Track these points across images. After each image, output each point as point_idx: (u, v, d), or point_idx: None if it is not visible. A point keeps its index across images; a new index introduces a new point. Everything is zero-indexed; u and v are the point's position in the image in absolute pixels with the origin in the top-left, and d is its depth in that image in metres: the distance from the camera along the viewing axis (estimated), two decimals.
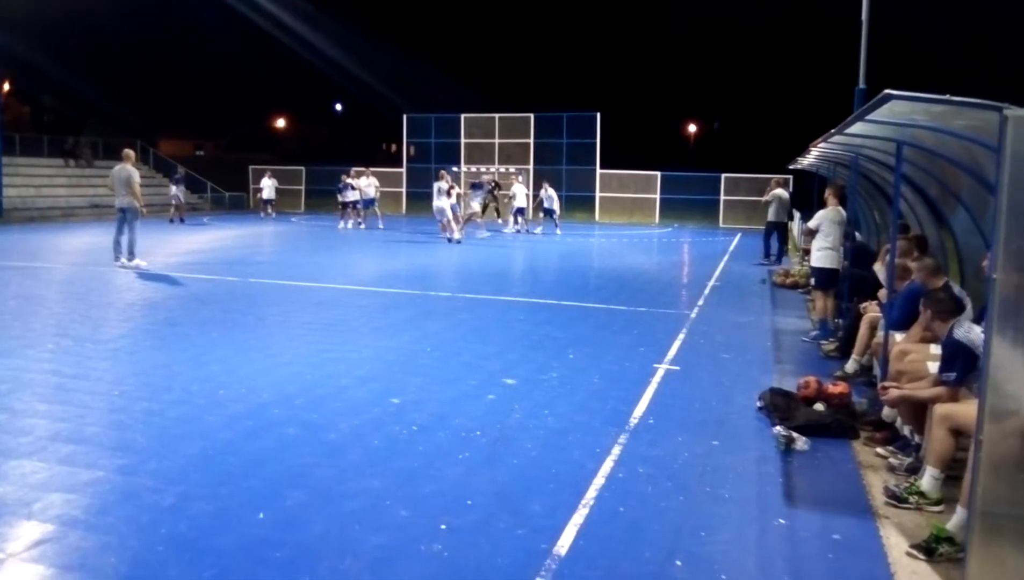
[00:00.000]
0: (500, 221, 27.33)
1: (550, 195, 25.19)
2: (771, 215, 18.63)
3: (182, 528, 4.03)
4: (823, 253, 9.20)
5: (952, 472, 4.42)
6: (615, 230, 27.54)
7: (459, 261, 17.54)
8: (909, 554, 3.87)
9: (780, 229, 18.81)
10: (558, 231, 24.85)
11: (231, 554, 3.77)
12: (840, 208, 9.29)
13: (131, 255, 14.62)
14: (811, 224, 9.41)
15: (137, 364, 7.44)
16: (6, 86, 38.68)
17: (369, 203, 25.99)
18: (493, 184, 30.40)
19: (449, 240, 20.85)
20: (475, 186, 24.12)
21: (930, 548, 3.86)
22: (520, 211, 25.28)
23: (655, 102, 58.13)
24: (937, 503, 4.40)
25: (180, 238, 21.22)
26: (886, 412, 5.72)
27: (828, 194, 9.42)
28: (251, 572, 3.61)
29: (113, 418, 5.77)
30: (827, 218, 9.17)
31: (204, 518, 4.15)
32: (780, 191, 18.68)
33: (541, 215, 25.83)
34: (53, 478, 4.63)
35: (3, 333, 8.59)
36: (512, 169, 32.17)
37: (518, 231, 25.07)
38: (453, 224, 21.05)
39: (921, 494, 4.43)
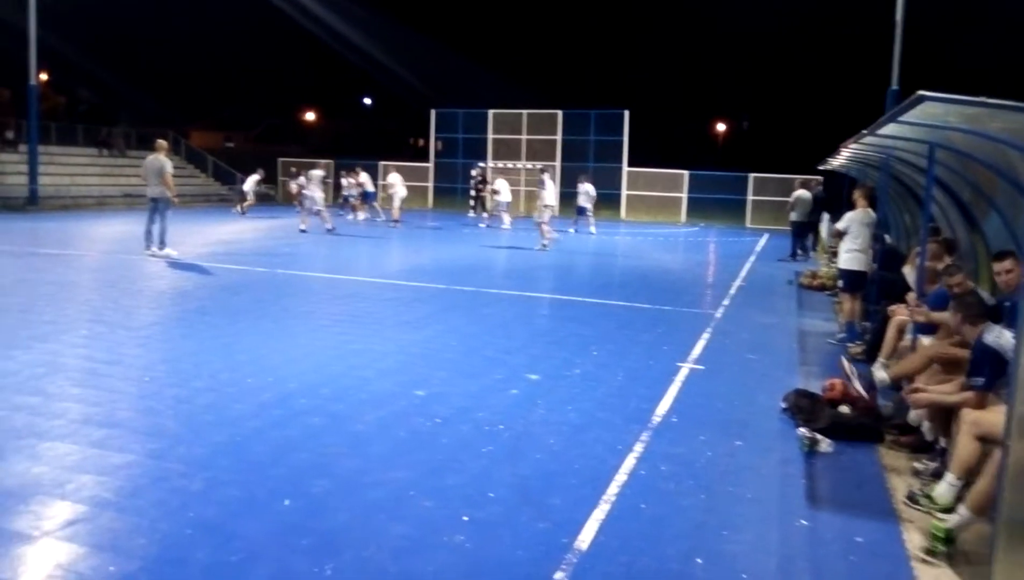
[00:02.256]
0: (473, 214, 26.95)
1: (586, 190, 24.00)
2: (794, 215, 19.10)
3: (210, 513, 4.11)
4: (851, 255, 9.12)
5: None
6: (641, 228, 27.43)
7: (483, 257, 17.58)
8: (923, 559, 3.87)
9: (803, 228, 19.22)
10: (592, 229, 23.74)
11: (258, 539, 3.84)
12: (869, 210, 9.20)
13: (162, 244, 14.84)
14: (839, 225, 9.33)
15: (168, 351, 7.57)
16: (43, 76, 39.30)
17: (370, 197, 26.58)
18: (480, 178, 30.31)
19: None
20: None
21: (931, 550, 3.86)
22: (506, 206, 24.76)
23: (684, 100, 57.88)
24: (946, 510, 4.36)
25: (210, 228, 21.48)
26: (912, 416, 5.67)
27: (857, 196, 9.34)
28: (277, 557, 3.68)
29: (144, 403, 5.89)
30: (856, 220, 9.09)
31: (232, 503, 4.23)
32: (802, 192, 19.20)
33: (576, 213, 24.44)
34: (85, 460, 4.74)
35: (38, 318, 8.78)
36: (539, 165, 32.20)
37: (487, 225, 24.85)
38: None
39: (930, 498, 4.41)
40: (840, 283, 9.27)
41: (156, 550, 3.71)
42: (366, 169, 27.92)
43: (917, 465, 5.07)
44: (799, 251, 18.87)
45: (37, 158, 27.42)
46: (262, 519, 4.06)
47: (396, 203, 24.49)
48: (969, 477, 4.33)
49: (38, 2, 26.03)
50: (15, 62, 29.53)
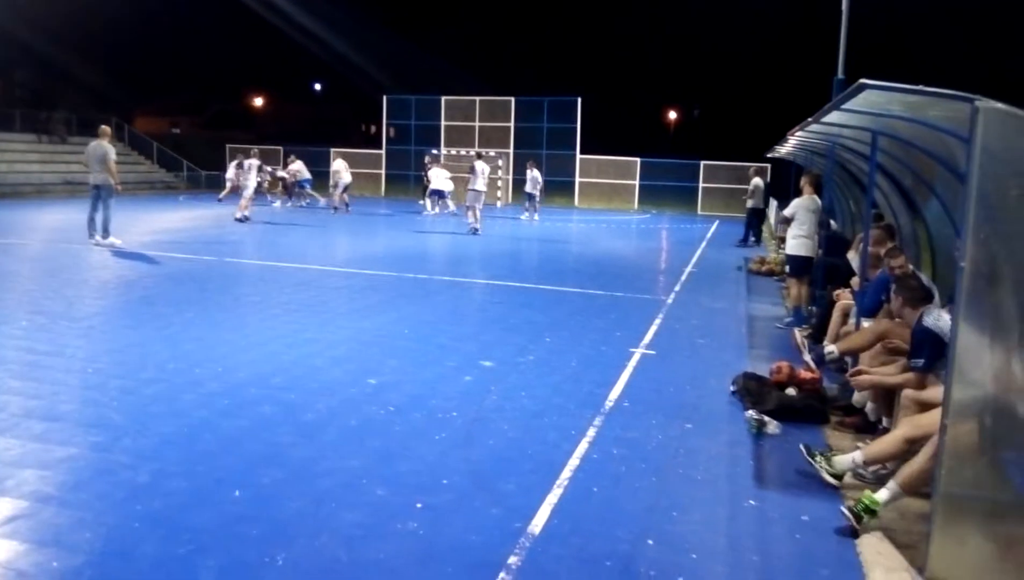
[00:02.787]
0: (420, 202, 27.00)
1: (534, 177, 24.47)
2: (751, 202, 19.64)
3: (157, 505, 4.03)
4: (798, 241, 9.30)
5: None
6: (594, 215, 27.61)
7: (436, 244, 17.52)
8: (844, 515, 4.01)
9: (760, 215, 19.74)
10: (535, 217, 24.29)
11: (207, 531, 3.78)
12: (816, 197, 9.40)
13: (106, 233, 14.45)
14: (786, 212, 9.51)
15: (112, 342, 7.38)
16: None
17: (306, 184, 26.45)
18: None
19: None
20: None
21: (859, 515, 3.98)
22: (437, 193, 24.36)
23: (636, 88, 58.15)
24: (836, 476, 4.59)
25: (155, 216, 20.99)
26: (856, 397, 5.83)
27: (804, 183, 9.53)
28: (227, 548, 3.63)
29: (87, 395, 5.75)
30: (802, 206, 9.27)
31: (180, 495, 4.16)
32: (758, 179, 19.66)
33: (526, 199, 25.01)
34: (26, 455, 4.61)
35: None
36: (492, 152, 32.13)
37: (437, 213, 24.80)
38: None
39: (827, 459, 4.63)
40: (787, 268, 9.46)
41: (101, 544, 3.63)
42: (303, 157, 27.41)
43: (860, 445, 5.22)
44: (752, 237, 19.34)
45: None
46: (211, 510, 4.00)
47: (339, 190, 24.18)
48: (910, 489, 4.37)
49: None
50: None
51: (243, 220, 19.99)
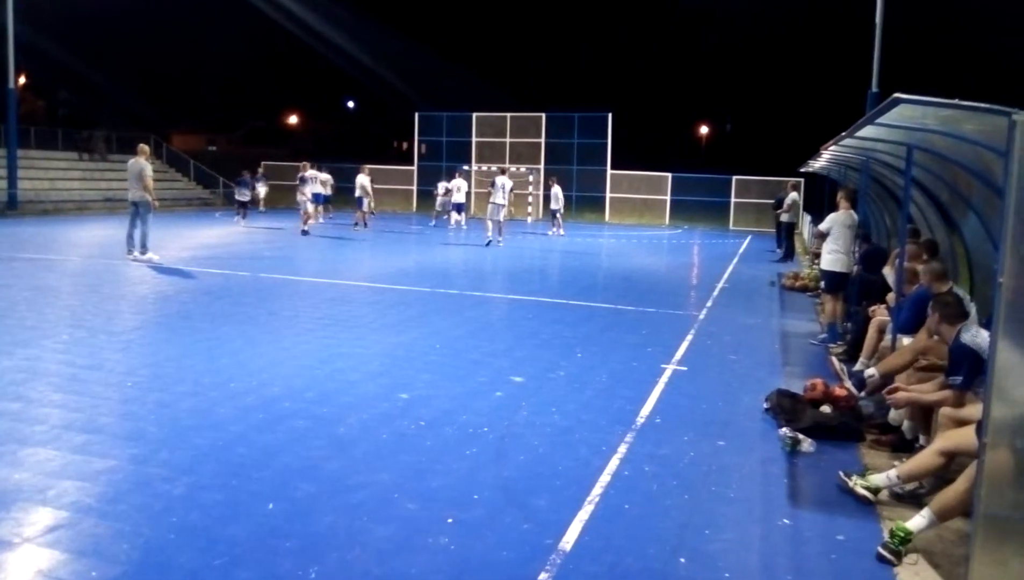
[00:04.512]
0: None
1: (556, 193, 25.17)
2: (788, 217, 19.71)
3: (193, 517, 4.09)
4: (833, 256, 9.19)
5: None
6: (625, 231, 27.55)
7: (467, 259, 17.59)
8: (880, 556, 3.88)
9: (792, 230, 19.82)
10: (560, 232, 24.72)
11: (242, 543, 3.83)
12: (852, 212, 9.29)
13: (144, 249, 14.74)
14: (822, 227, 9.40)
15: (150, 356, 7.52)
16: (22, 79, 38.94)
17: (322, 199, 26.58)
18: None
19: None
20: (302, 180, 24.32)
21: (896, 551, 3.87)
22: (457, 207, 25.19)
23: (667, 103, 58.09)
24: (873, 490, 4.57)
25: (192, 233, 21.35)
26: (893, 415, 5.74)
27: (840, 197, 9.41)
28: (262, 561, 3.67)
29: (126, 408, 5.85)
30: (838, 221, 9.16)
31: (215, 508, 4.21)
32: (795, 194, 19.98)
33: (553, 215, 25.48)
34: (67, 466, 4.71)
35: (19, 323, 8.70)
36: (523, 168, 32.26)
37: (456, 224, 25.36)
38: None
39: (864, 478, 4.61)
40: (822, 284, 9.35)
41: (139, 555, 3.69)
42: (332, 173, 27.89)
43: (896, 463, 5.13)
44: (785, 252, 19.30)
45: (16, 162, 27.18)
46: (246, 523, 4.05)
47: (363, 206, 24.36)
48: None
49: (16, 4, 25.79)
50: None
51: (306, 233, 21.28)
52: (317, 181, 24.14)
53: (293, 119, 65.36)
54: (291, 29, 50.63)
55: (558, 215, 25.24)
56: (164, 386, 6.45)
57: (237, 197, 25.70)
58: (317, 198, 24.55)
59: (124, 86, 51.22)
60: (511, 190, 22.15)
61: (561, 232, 24.66)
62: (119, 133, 35.69)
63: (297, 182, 22.29)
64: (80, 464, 4.74)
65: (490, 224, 20.39)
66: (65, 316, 9.29)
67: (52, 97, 50.77)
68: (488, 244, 19.65)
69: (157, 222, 16.01)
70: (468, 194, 26.88)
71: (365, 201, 24.39)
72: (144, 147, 15.37)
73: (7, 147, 27.38)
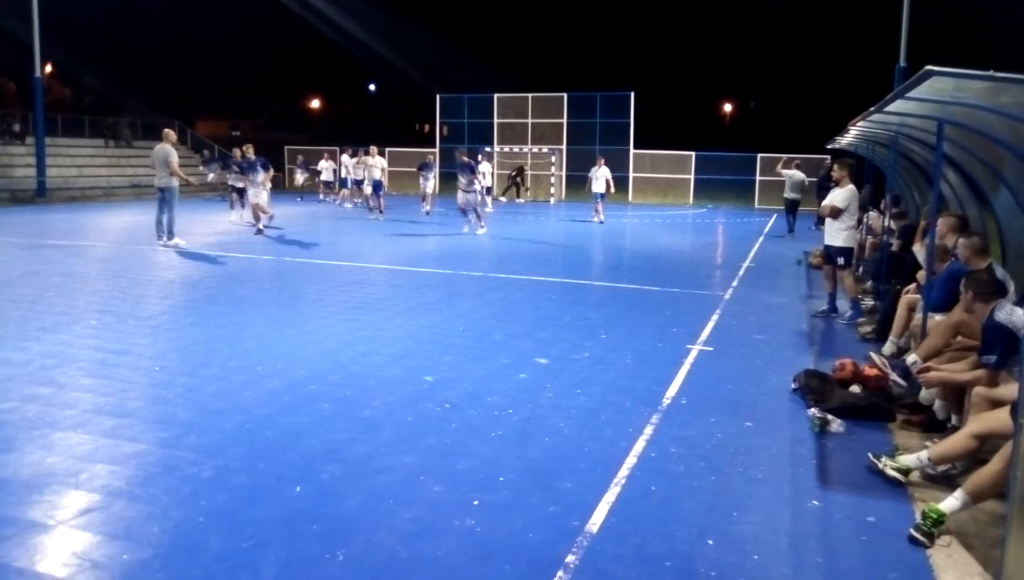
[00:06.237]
0: (504, 199, 26.88)
1: (604, 175, 21.98)
2: (795, 194, 19.98)
3: (221, 500, 4.13)
4: (849, 233, 9.08)
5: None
6: (648, 211, 27.35)
7: (490, 241, 17.56)
8: (912, 538, 3.82)
9: (795, 206, 20.15)
10: (600, 218, 22.09)
11: (269, 526, 3.85)
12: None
13: (170, 234, 14.87)
14: (838, 204, 9.17)
15: (177, 340, 7.59)
16: (48, 68, 39.31)
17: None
18: (518, 168, 30.57)
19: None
20: (424, 167, 23.77)
21: (929, 533, 3.81)
22: (487, 190, 24.84)
23: (690, 81, 57.42)
24: (903, 471, 4.49)
25: (217, 218, 21.49)
26: (924, 394, 5.65)
27: (845, 174, 9.16)
28: (289, 543, 3.69)
29: (154, 393, 5.91)
30: (853, 197, 9.02)
31: (242, 490, 4.25)
32: (799, 172, 20.10)
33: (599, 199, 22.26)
34: (98, 450, 4.77)
35: (48, 309, 8.82)
36: (544, 149, 32.08)
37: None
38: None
39: (893, 458, 4.54)
40: (841, 261, 9.19)
41: (168, 538, 3.72)
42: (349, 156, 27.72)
43: (928, 444, 5.05)
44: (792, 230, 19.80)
45: (44, 150, 27.50)
46: (273, 505, 4.08)
47: (370, 188, 23.29)
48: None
49: None
50: (20, 54, 29.56)
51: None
52: (361, 166, 23.73)
53: (315, 103, 65.47)
54: (311, 13, 50.60)
55: (601, 200, 22.18)
56: (191, 370, 6.51)
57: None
58: (358, 183, 24.45)
59: (148, 73, 51.61)
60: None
61: (601, 218, 22.08)
62: (144, 120, 35.97)
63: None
64: (110, 448, 4.80)
65: (476, 211, 18.43)
66: (94, 302, 9.40)
67: (78, 85, 51.22)
68: (466, 232, 18.18)
69: (182, 208, 16.14)
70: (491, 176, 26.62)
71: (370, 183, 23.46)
72: (169, 132, 15.46)
73: (35, 135, 27.71)
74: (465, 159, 18.52)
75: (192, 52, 56.47)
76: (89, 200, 27.94)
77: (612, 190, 22.80)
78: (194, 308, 9.21)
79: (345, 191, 27.25)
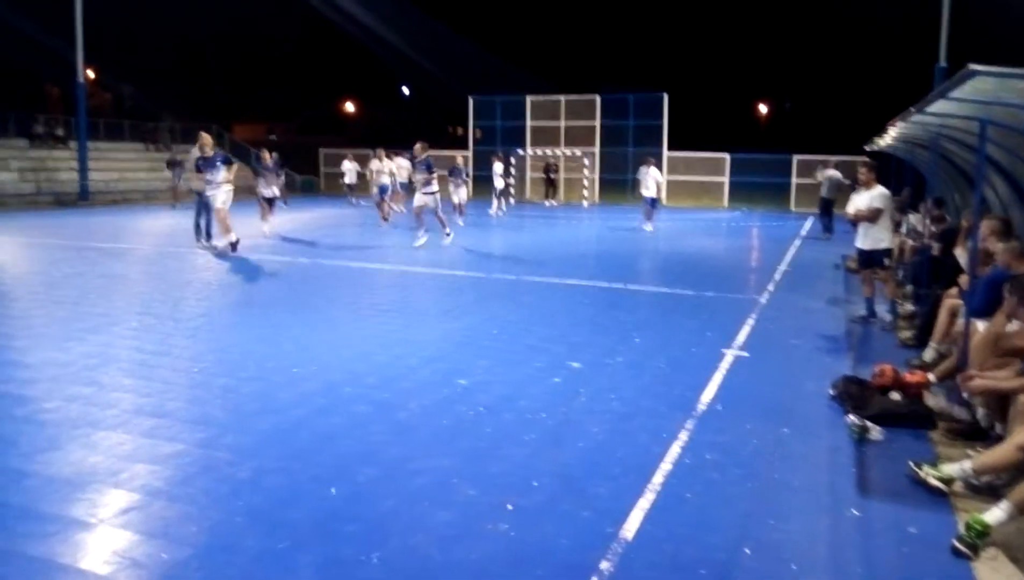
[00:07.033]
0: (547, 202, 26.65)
1: (655, 177, 20.25)
2: (828, 193, 19.99)
3: (258, 500, 4.17)
4: (887, 234, 8.95)
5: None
6: (682, 214, 27.13)
7: (523, 244, 17.56)
8: (955, 550, 3.73)
9: (830, 206, 19.97)
10: (649, 226, 20.26)
11: (305, 527, 3.89)
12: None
13: (208, 237, 15.09)
14: (876, 205, 8.99)
15: (215, 342, 7.70)
16: (90, 73, 40.15)
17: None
18: (554, 166, 30.48)
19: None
20: (453, 172, 21.10)
21: (973, 545, 3.72)
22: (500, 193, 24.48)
23: (724, 82, 56.85)
24: (945, 480, 4.37)
25: (254, 221, 21.74)
26: (981, 416, 5.50)
27: (872, 175, 8.98)
28: (324, 545, 3.72)
29: (193, 394, 6.00)
30: (888, 198, 8.90)
31: (279, 491, 4.29)
32: (835, 171, 20.05)
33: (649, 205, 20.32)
34: (138, 450, 4.85)
35: (90, 310, 9.00)
36: (577, 151, 32.01)
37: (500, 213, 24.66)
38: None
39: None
40: (886, 261, 9.06)
41: (206, 538, 3.78)
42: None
43: (971, 453, 4.95)
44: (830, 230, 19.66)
45: (86, 154, 28.07)
46: (309, 507, 4.11)
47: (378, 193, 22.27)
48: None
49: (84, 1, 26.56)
50: (62, 61, 30.25)
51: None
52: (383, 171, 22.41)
53: (349, 106, 66.04)
54: (346, 17, 51.09)
55: (655, 204, 20.18)
56: (229, 371, 6.60)
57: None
58: (383, 189, 21.92)
59: (186, 78, 52.45)
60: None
61: (650, 227, 20.20)
62: (183, 124, 36.57)
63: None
64: (150, 448, 4.88)
65: (436, 215, 16.16)
66: (134, 303, 9.58)
67: (119, 91, 52.23)
68: (449, 235, 16.20)
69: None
70: (507, 176, 26.34)
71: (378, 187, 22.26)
72: (205, 136, 15.65)
73: (78, 139, 28.31)
74: (423, 156, 15.79)
75: (229, 58, 57.27)
76: (130, 203, 28.47)
77: (662, 194, 20.24)
78: (231, 310, 9.34)
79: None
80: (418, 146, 16.16)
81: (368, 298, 10.15)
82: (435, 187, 15.89)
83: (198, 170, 14.75)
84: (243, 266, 12.97)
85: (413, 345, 7.63)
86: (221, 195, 14.15)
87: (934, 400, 5.85)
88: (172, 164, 26.62)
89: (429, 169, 15.68)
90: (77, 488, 4.29)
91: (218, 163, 14.23)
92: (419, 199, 15.93)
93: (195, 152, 15.12)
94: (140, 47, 48.40)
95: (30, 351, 7.15)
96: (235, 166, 14.69)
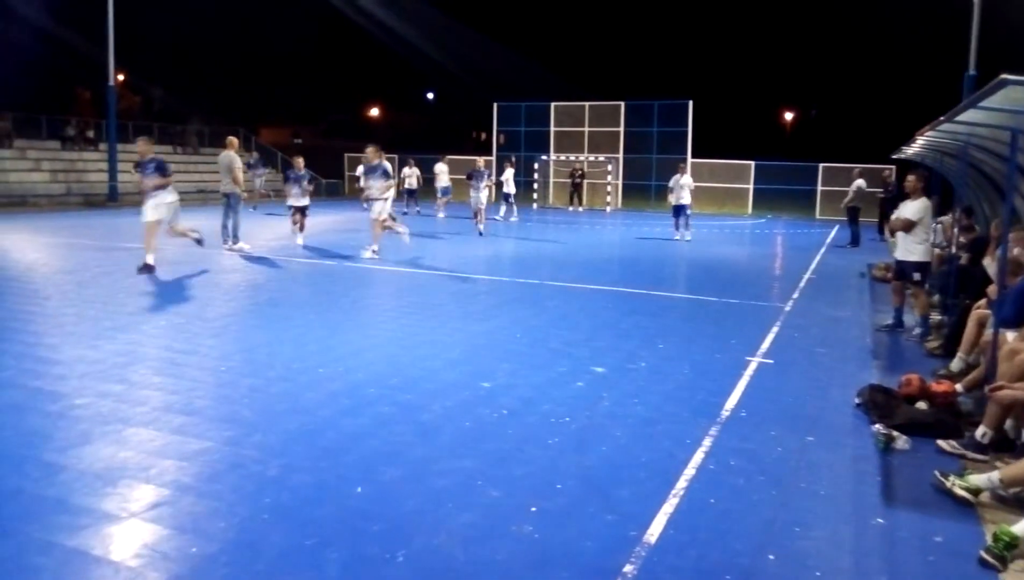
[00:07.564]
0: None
1: (688, 184, 19.76)
2: (855, 202, 19.92)
3: (285, 498, 4.22)
4: (924, 246, 8.81)
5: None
6: (706, 221, 27.04)
7: (547, 249, 17.58)
8: (983, 561, 3.69)
9: (857, 214, 19.94)
10: (687, 236, 19.61)
11: (331, 525, 3.94)
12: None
13: (235, 238, 15.27)
14: (911, 216, 8.95)
15: (242, 342, 7.80)
16: (120, 77, 40.75)
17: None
18: (580, 172, 30.53)
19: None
20: (473, 175, 20.70)
21: (1001, 556, 3.67)
22: (506, 197, 24.79)
23: (750, 89, 56.57)
24: (973, 491, 4.32)
25: (279, 223, 21.97)
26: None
27: (918, 186, 8.89)
28: (350, 543, 3.76)
29: (221, 392, 6.09)
30: (928, 210, 8.75)
31: (305, 490, 4.34)
32: (861, 181, 19.88)
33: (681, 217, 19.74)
34: (167, 446, 4.93)
35: (120, 310, 9.14)
36: (601, 157, 32.01)
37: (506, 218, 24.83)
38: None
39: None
40: (917, 276, 8.91)
41: (234, 534, 3.83)
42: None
43: (999, 464, 4.90)
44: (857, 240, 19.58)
45: (116, 156, 28.48)
46: (334, 505, 4.16)
47: (439, 196, 24.58)
48: None
49: (115, 5, 26.99)
50: (93, 64, 30.75)
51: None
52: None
53: (374, 111, 66.48)
54: (372, 21, 51.47)
55: (686, 212, 19.47)
56: (256, 371, 6.68)
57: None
58: (411, 192, 23.67)
59: (214, 82, 53.08)
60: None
61: (688, 237, 19.47)
62: (211, 128, 37.03)
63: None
64: (179, 444, 4.96)
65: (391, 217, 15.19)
66: (163, 303, 9.71)
67: (148, 94, 52.96)
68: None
69: (247, 213, 16.54)
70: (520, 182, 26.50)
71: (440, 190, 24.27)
72: (232, 139, 15.87)
73: (107, 141, 28.75)
74: (376, 161, 14.57)
75: (255, 62, 57.86)
76: None
77: (690, 202, 19.75)
78: (258, 311, 9.44)
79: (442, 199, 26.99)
80: (370, 149, 14.70)
81: (392, 300, 10.23)
82: (390, 194, 14.70)
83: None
84: (269, 267, 13.11)
85: (437, 347, 7.67)
86: (156, 205, 12.47)
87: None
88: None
89: (387, 175, 14.59)
90: (108, 482, 4.36)
91: (151, 168, 12.32)
92: (378, 207, 14.48)
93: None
94: (169, 50, 49.08)
95: (61, 348, 7.28)
96: (170, 176, 12.79)
